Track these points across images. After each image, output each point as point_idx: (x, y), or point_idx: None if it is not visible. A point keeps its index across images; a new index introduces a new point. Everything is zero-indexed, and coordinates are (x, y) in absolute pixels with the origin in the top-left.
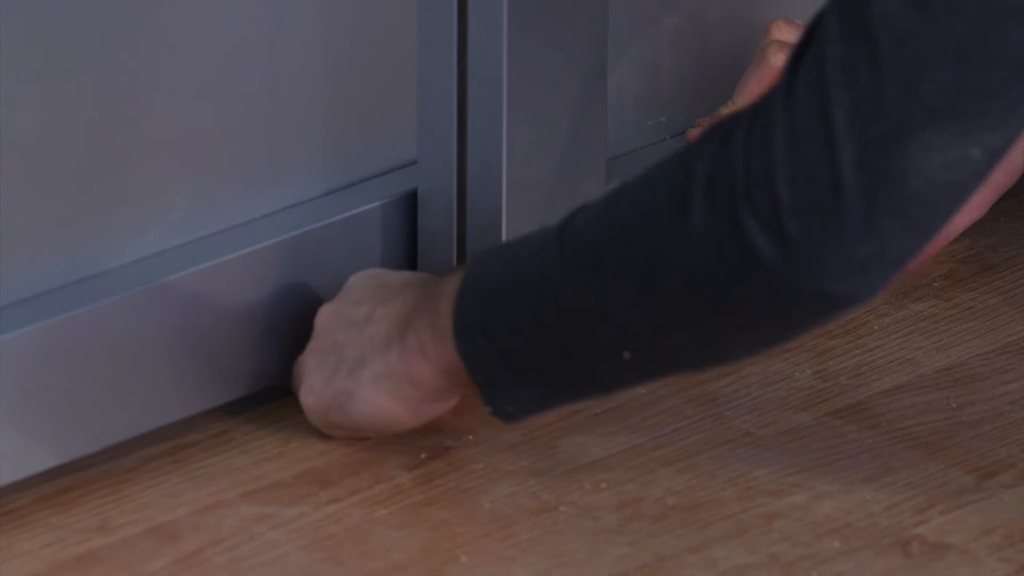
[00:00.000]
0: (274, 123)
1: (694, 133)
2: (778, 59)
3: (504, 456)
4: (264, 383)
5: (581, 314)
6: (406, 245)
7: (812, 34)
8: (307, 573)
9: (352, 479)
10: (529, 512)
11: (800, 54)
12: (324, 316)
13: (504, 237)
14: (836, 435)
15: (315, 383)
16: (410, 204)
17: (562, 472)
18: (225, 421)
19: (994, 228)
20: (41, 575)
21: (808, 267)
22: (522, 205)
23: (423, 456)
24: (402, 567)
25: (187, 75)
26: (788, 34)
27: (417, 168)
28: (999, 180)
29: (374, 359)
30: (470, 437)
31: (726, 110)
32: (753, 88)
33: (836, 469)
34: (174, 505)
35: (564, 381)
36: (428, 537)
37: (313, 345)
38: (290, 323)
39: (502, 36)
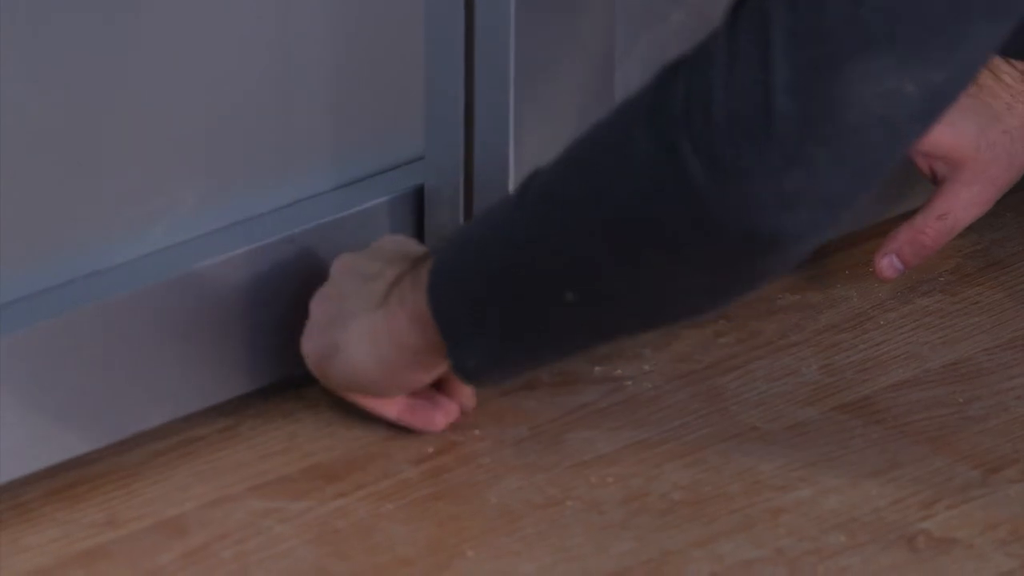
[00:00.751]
0: (281, 118)
1: None
2: None
3: (510, 451)
4: (271, 378)
5: (529, 249)
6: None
7: None
8: (313, 567)
9: (359, 474)
10: (535, 506)
11: None
12: (340, 264)
13: None
14: (842, 430)
15: (313, 331)
16: (417, 199)
17: (568, 467)
18: (232, 416)
19: (1000, 223)
20: (48, 569)
21: (736, 194)
22: None
23: (430, 451)
24: (408, 561)
25: (195, 70)
26: None
27: (424, 163)
28: (1004, 177)
29: (364, 314)
30: (476, 432)
31: None
32: None
33: (842, 464)
34: (181, 499)
35: (518, 329)
36: (434, 531)
37: (323, 290)
38: (297, 318)
39: (509, 32)
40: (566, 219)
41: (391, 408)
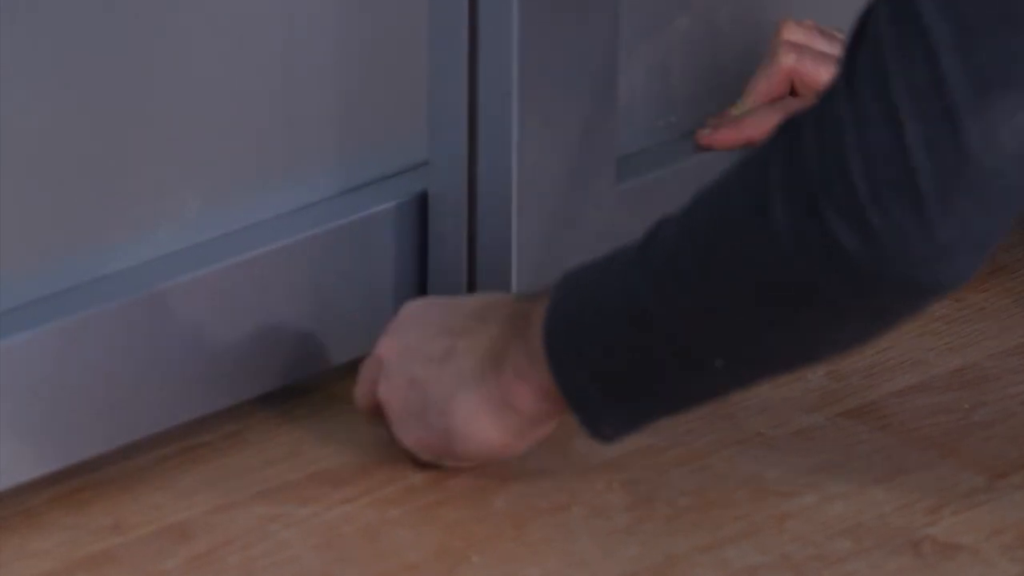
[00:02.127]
0: (286, 123)
1: (703, 133)
2: (788, 60)
3: (516, 457)
4: (277, 383)
5: (670, 326)
6: (417, 246)
7: (864, 22)
8: (319, 573)
9: (364, 479)
10: (541, 512)
11: (855, 43)
12: (390, 352)
13: (514, 238)
14: (848, 436)
15: (408, 426)
16: (421, 205)
17: (574, 472)
18: (238, 421)
19: None
20: (54, 574)
21: (892, 255)
22: (533, 205)
23: None
24: (414, 567)
25: (200, 75)
26: (798, 35)
27: (428, 169)
28: None
29: (466, 393)
30: None
31: (735, 111)
32: (762, 88)
33: (848, 470)
34: (187, 505)
35: (659, 397)
36: (440, 537)
37: (389, 384)
38: (301, 323)
39: (512, 37)
40: (707, 295)
41: None
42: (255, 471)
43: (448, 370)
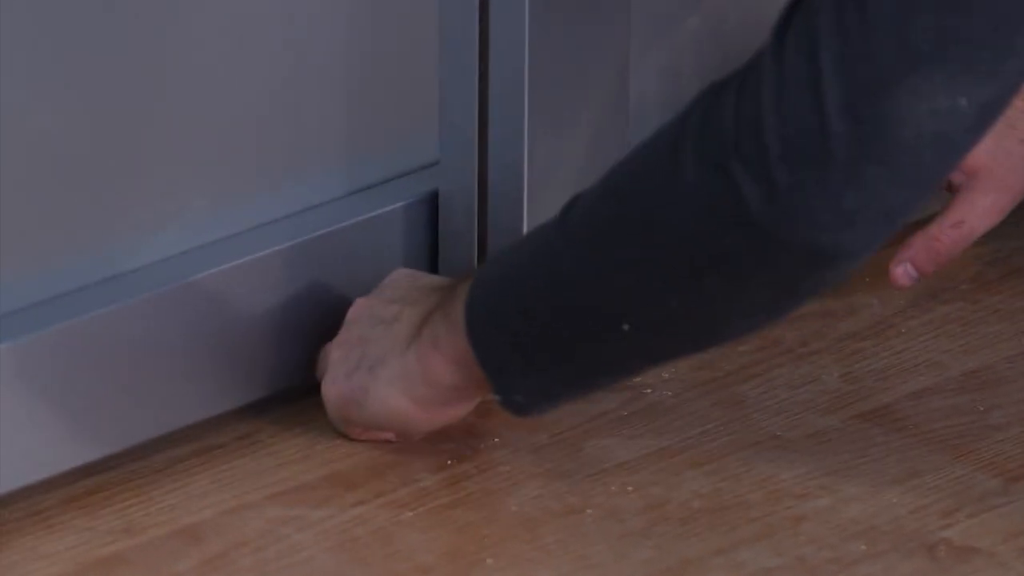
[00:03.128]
0: (295, 123)
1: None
2: None
3: (530, 458)
4: (287, 383)
5: (581, 283)
6: (427, 246)
7: None
8: (333, 575)
9: (378, 481)
10: (555, 514)
11: (792, 7)
12: (357, 309)
13: None
14: (863, 438)
15: (337, 375)
16: (431, 205)
17: (588, 474)
18: (251, 423)
19: (1021, 231)
20: None
21: (795, 216)
22: (543, 206)
23: (448, 459)
24: (428, 569)
25: (206, 75)
26: None
27: (439, 169)
28: (1020, 186)
29: (393, 359)
30: (496, 440)
31: None
32: None
33: (862, 472)
34: (200, 507)
35: (569, 363)
36: (454, 539)
37: (341, 336)
38: (312, 323)
39: (524, 36)
40: (615, 250)
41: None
42: (268, 473)
43: (389, 333)
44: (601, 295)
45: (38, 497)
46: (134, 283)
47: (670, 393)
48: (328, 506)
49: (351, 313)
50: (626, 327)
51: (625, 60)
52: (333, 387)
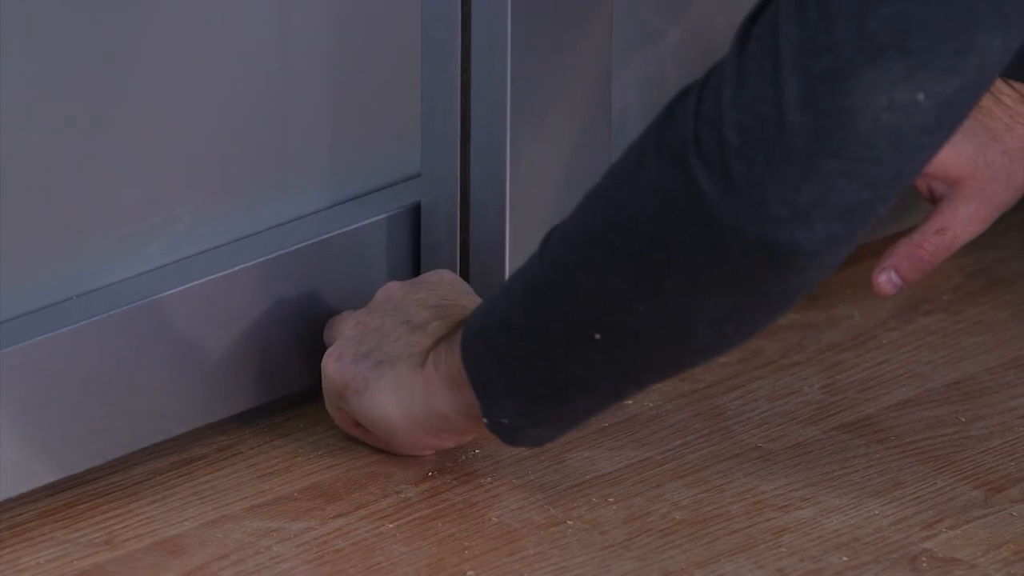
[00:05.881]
0: (278, 136)
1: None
2: None
3: (511, 470)
4: (269, 396)
5: (554, 291)
6: (410, 257)
7: None
8: None
9: (359, 493)
10: (536, 526)
11: (758, 8)
12: (388, 294)
13: (507, 249)
14: (844, 449)
15: (345, 355)
16: (414, 217)
17: (569, 486)
18: (231, 435)
19: (1003, 242)
20: None
21: (750, 210)
22: (525, 218)
23: (430, 471)
24: None
25: (191, 87)
26: None
27: (421, 180)
28: (1002, 196)
29: (404, 367)
30: (477, 451)
31: None
32: None
33: (844, 483)
34: (180, 519)
35: (548, 379)
36: (435, 551)
37: (362, 316)
38: (295, 335)
39: (506, 49)
40: (584, 255)
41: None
42: (249, 485)
43: (409, 339)
44: (572, 303)
45: (17, 509)
46: (116, 296)
47: (651, 405)
48: (309, 518)
49: (381, 295)
50: (597, 336)
51: (607, 70)
52: (337, 363)
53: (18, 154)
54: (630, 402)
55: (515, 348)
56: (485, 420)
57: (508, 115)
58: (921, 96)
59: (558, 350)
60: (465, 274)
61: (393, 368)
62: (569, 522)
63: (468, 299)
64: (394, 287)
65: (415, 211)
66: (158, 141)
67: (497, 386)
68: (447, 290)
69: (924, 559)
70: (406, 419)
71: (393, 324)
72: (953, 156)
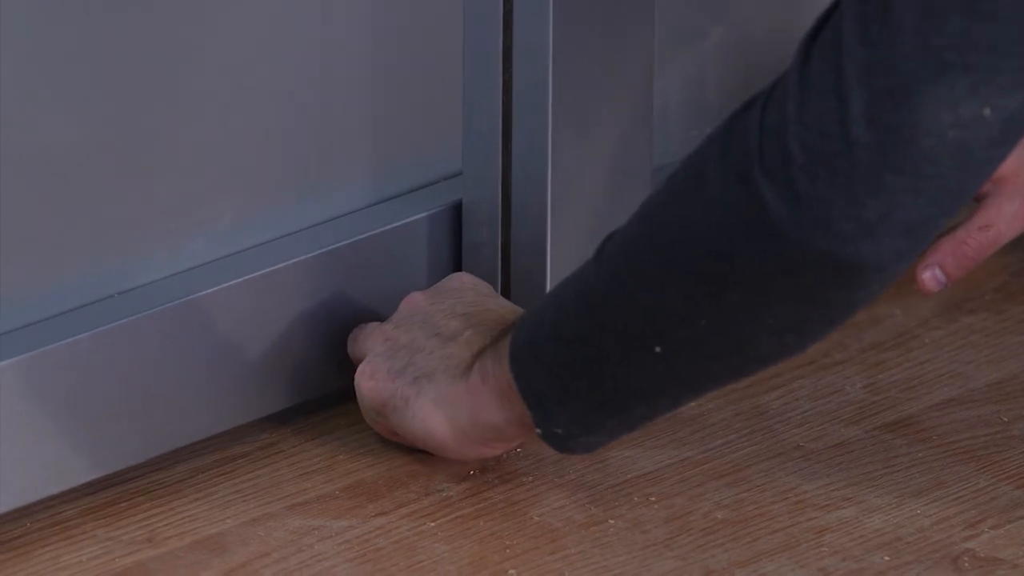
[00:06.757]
0: (320, 134)
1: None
2: None
3: (553, 469)
4: (311, 394)
5: (611, 305)
6: (451, 256)
7: (835, 4)
8: None
9: (400, 492)
10: (578, 525)
11: (822, 20)
12: (412, 306)
13: (549, 248)
14: (886, 449)
15: (379, 372)
16: (455, 215)
17: (611, 485)
18: (273, 433)
19: None
20: None
21: (816, 224)
22: (567, 216)
23: (471, 469)
24: None
25: (235, 86)
26: None
27: (462, 179)
28: None
29: (444, 380)
30: (518, 450)
31: None
32: None
33: (886, 483)
34: (222, 517)
35: (603, 389)
36: (476, 550)
37: (389, 330)
38: (336, 333)
39: (548, 47)
40: (644, 269)
41: None
42: (290, 483)
43: (444, 351)
44: (631, 315)
45: (59, 507)
46: (159, 293)
47: (692, 404)
48: (350, 517)
49: (404, 308)
50: (658, 349)
51: (649, 69)
52: (371, 382)
53: (60, 152)
54: None
55: (567, 359)
56: (538, 430)
57: (550, 114)
58: (987, 111)
59: (613, 361)
60: (506, 274)
61: (432, 382)
62: (611, 521)
63: (493, 302)
64: (417, 298)
65: (456, 210)
66: (200, 139)
67: (550, 397)
68: (471, 295)
69: (966, 559)
70: (454, 432)
71: (424, 337)
72: None
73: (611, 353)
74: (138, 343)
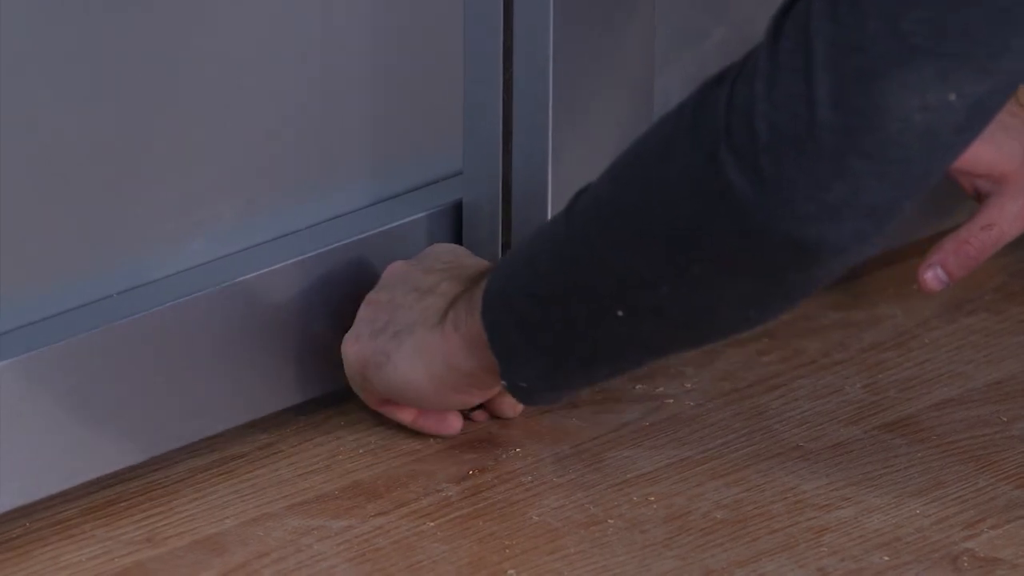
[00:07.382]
0: (321, 134)
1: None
2: None
3: (552, 469)
4: (310, 393)
5: (579, 265)
6: None
7: None
8: None
9: (399, 492)
10: (577, 525)
11: (791, 3)
12: (392, 272)
13: None
14: (885, 449)
15: (361, 334)
16: (455, 215)
17: (610, 485)
18: (272, 433)
19: None
20: None
21: (779, 205)
22: None
23: (470, 469)
24: None
25: (235, 86)
26: None
27: (462, 179)
28: None
29: (422, 330)
30: (517, 450)
31: None
32: None
33: (885, 483)
34: (221, 517)
35: (569, 348)
36: (476, 550)
37: (372, 296)
38: (336, 333)
39: (548, 47)
40: (612, 234)
41: (406, 414)
42: (289, 483)
43: (422, 303)
44: (596, 277)
45: (59, 506)
46: (158, 293)
47: (692, 404)
48: (349, 516)
49: (386, 275)
50: (620, 312)
51: (649, 69)
52: (355, 345)
53: (60, 152)
54: (670, 401)
55: (537, 315)
56: (503, 382)
57: (550, 113)
58: (953, 97)
59: (578, 321)
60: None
61: (412, 335)
62: (610, 521)
63: (471, 260)
64: (397, 265)
65: (456, 209)
66: (200, 139)
67: (518, 351)
68: (449, 255)
69: (966, 559)
70: (431, 380)
71: (403, 294)
72: (999, 154)
73: (578, 313)
74: (137, 343)
